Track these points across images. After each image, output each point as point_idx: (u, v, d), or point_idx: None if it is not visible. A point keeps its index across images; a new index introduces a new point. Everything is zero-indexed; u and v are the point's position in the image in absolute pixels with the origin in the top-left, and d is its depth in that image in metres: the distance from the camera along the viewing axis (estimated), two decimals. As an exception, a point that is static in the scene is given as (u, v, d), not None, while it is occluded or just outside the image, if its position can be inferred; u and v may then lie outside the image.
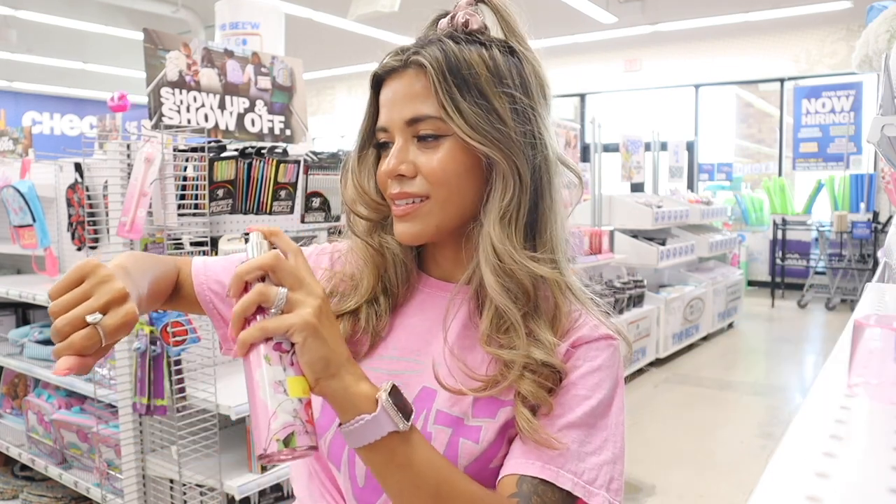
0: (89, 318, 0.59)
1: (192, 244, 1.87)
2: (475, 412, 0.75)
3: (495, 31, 0.79)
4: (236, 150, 1.97)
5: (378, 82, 0.80)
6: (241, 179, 1.94)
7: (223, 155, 1.92)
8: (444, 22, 0.80)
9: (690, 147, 8.59)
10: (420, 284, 0.85)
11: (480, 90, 0.74)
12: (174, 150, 1.85)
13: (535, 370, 0.74)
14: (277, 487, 2.01)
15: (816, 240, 8.02)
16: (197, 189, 1.85)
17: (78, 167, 2.49)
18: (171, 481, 1.95)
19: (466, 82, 0.74)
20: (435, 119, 0.74)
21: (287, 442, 0.59)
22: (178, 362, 1.84)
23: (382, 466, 0.67)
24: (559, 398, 0.75)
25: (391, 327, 0.84)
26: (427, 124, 0.75)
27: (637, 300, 4.93)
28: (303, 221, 2.16)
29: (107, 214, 2.10)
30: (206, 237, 1.89)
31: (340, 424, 0.66)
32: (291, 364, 0.63)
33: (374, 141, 0.82)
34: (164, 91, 1.93)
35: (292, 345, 0.63)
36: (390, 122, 0.77)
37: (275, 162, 1.99)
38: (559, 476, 0.71)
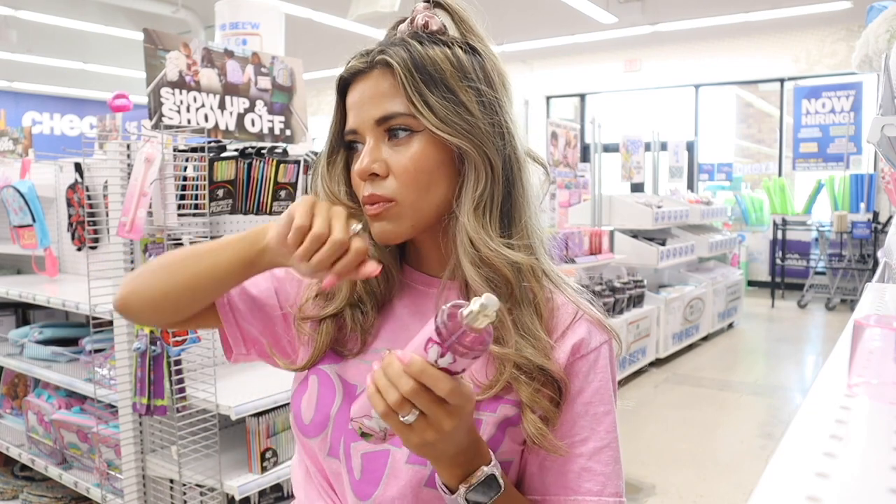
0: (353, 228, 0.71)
1: (192, 244, 1.87)
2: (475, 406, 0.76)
3: (452, 32, 0.80)
4: (236, 150, 1.97)
5: (344, 86, 0.80)
6: (241, 179, 1.94)
7: (223, 155, 1.92)
8: (403, 26, 0.81)
9: (690, 147, 8.60)
10: (406, 279, 0.86)
11: (447, 85, 0.75)
12: (174, 150, 1.85)
13: (531, 374, 0.74)
14: (277, 487, 2.01)
15: (816, 240, 8.02)
16: (197, 189, 1.85)
17: (78, 167, 2.49)
18: (171, 481, 1.95)
19: (433, 78, 0.75)
20: (405, 116, 0.75)
21: (363, 435, 0.66)
22: (178, 362, 1.84)
23: None
24: (581, 420, 0.77)
25: (385, 323, 0.84)
26: (396, 122, 0.75)
27: (637, 300, 4.93)
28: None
29: (107, 214, 2.09)
30: (206, 237, 1.89)
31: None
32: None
33: (342, 145, 0.82)
34: (164, 91, 1.93)
35: None
36: (360, 123, 0.77)
37: (275, 162, 1.98)
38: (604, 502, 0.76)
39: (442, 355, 0.58)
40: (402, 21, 0.82)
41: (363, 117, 0.77)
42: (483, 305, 0.56)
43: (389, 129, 0.76)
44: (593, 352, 0.79)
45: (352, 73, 0.78)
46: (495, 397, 0.75)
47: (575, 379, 0.77)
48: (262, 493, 1.99)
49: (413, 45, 0.76)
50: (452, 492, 0.69)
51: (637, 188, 7.02)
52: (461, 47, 0.78)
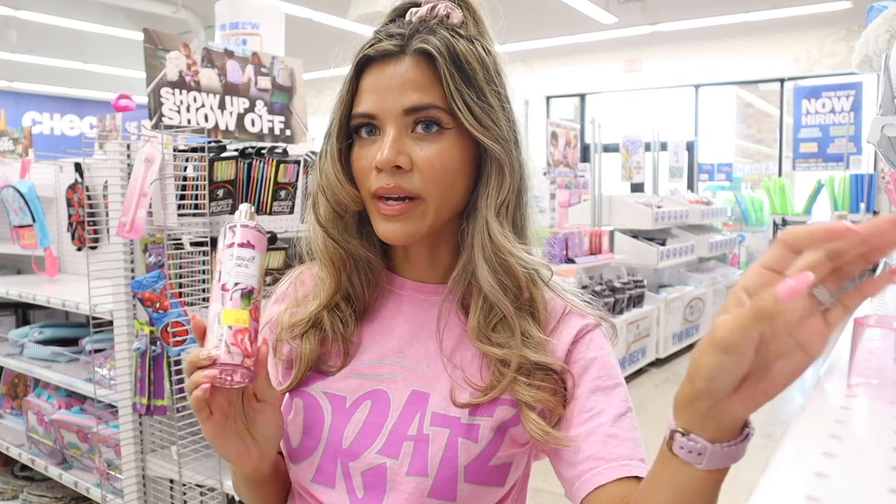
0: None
1: (192, 244, 1.87)
2: (472, 411, 0.74)
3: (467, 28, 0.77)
4: (236, 150, 1.97)
5: (362, 66, 0.74)
6: (241, 179, 1.94)
7: (223, 155, 1.91)
8: (422, 11, 0.75)
9: (690, 147, 8.60)
10: (393, 286, 0.83)
11: (479, 85, 0.73)
12: (174, 150, 1.84)
13: (529, 372, 0.74)
14: (277, 487, 2.01)
15: (816, 240, 8.00)
16: (197, 189, 1.85)
17: (78, 167, 2.49)
18: (171, 481, 1.95)
19: (468, 76, 0.72)
20: (439, 110, 0.72)
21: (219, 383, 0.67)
22: (178, 362, 1.83)
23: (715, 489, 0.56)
24: (594, 395, 0.74)
25: (369, 332, 0.81)
26: (428, 114, 0.72)
27: (637, 300, 4.93)
28: (303, 221, 2.16)
29: (107, 214, 2.09)
30: (206, 237, 1.89)
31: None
32: (231, 300, 0.67)
33: (346, 128, 0.76)
34: (164, 91, 1.93)
35: (235, 284, 0.66)
36: (382, 109, 0.72)
37: (275, 162, 1.98)
38: (637, 468, 0.71)
39: (239, 247, 0.69)
40: (413, 5, 0.77)
41: (388, 104, 0.72)
42: (245, 207, 0.71)
43: (417, 120, 0.72)
44: (587, 334, 0.79)
45: (381, 53, 0.73)
46: (492, 400, 0.74)
47: (576, 364, 0.77)
48: (262, 493, 1.99)
49: (446, 38, 0.72)
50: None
51: (637, 188, 7.02)
52: (481, 47, 0.75)
